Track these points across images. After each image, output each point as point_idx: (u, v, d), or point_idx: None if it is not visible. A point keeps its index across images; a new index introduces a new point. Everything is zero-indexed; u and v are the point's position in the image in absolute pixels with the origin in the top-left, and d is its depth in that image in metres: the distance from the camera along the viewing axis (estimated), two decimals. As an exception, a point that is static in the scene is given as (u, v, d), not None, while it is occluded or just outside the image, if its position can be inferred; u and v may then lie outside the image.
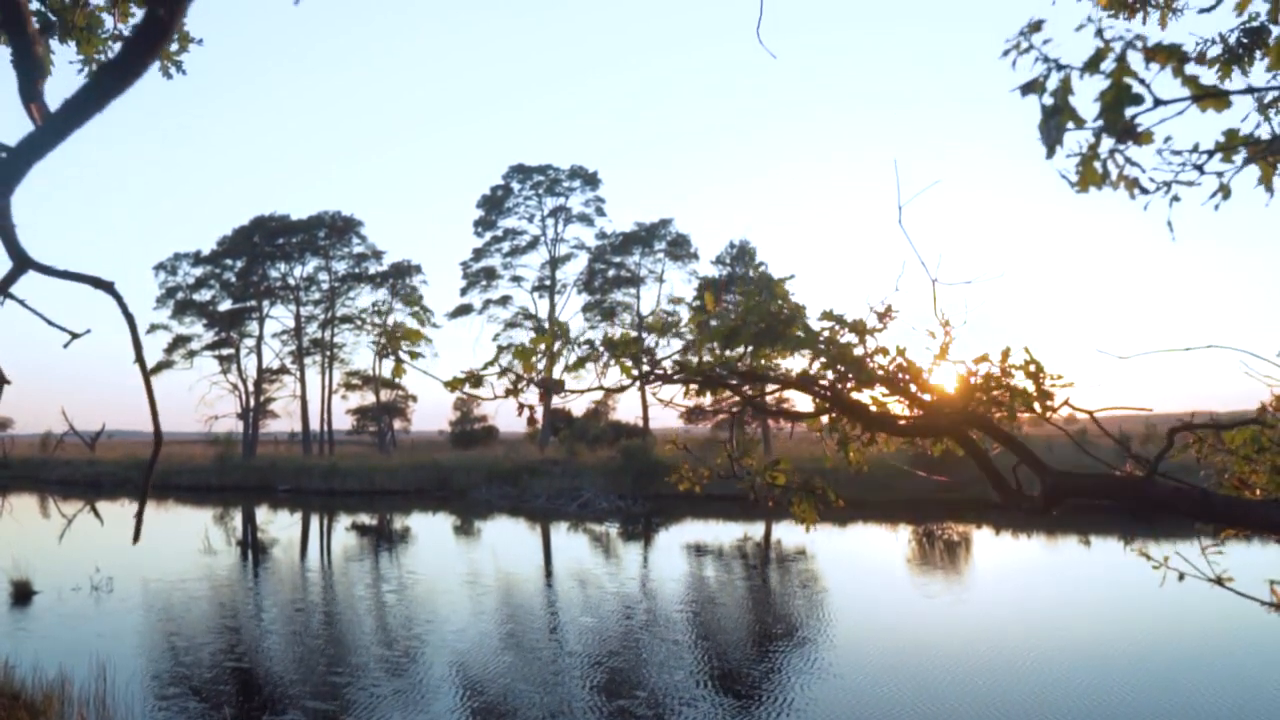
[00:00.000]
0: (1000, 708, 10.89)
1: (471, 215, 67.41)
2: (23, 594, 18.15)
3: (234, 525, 35.16)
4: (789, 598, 18.72)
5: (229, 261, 67.16)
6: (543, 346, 2.93)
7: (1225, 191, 1.45)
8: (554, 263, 65.75)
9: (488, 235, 66.25)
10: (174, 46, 4.22)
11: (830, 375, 2.53)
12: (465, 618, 16.60)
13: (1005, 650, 13.49)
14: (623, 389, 2.96)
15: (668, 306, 64.55)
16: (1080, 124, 1.31)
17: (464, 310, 66.46)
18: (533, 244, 65.91)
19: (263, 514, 39.49)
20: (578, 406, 68.39)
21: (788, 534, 29.15)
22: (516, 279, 66.30)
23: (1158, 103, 1.31)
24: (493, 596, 19.00)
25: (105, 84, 1.01)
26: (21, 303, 1.61)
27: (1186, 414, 2.99)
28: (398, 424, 71.24)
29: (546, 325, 64.74)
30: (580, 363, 2.95)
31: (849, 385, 2.55)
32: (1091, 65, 1.29)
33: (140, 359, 1.84)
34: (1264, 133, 1.40)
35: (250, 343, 67.41)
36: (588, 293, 65.40)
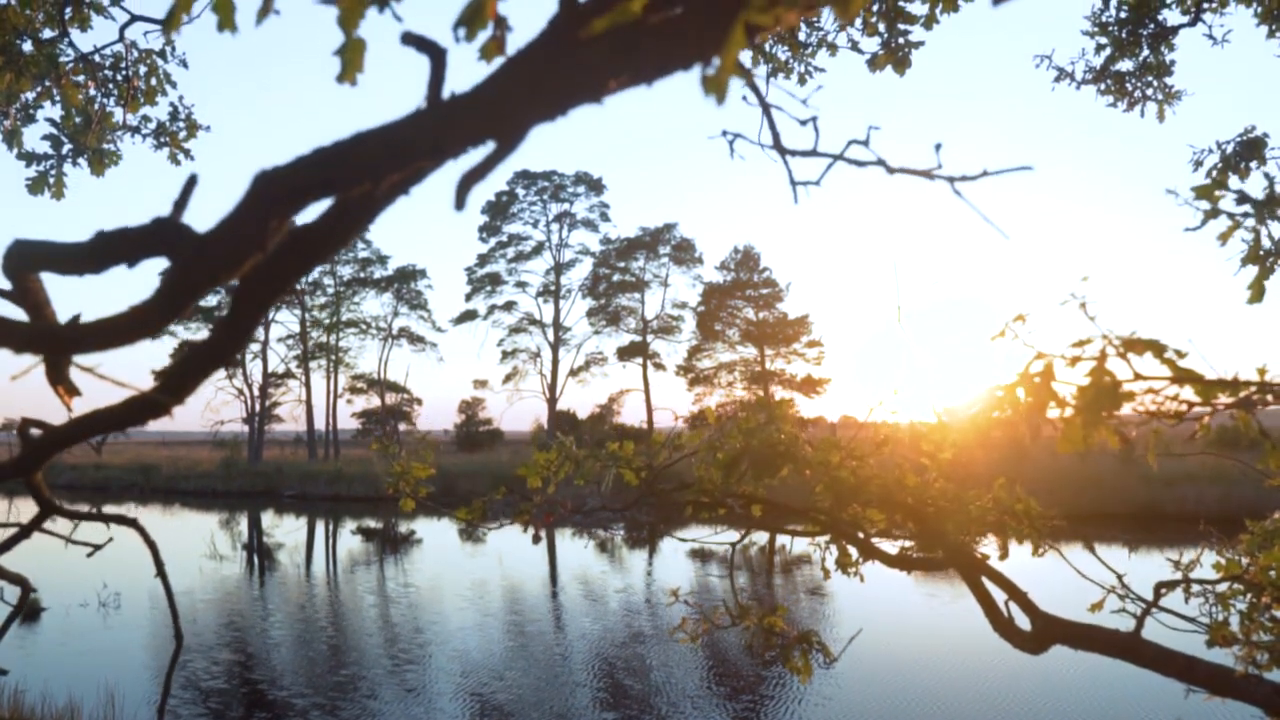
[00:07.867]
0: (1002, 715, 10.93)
1: (476, 221, 67.44)
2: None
3: (240, 532, 35.31)
4: (793, 603, 18.80)
5: (234, 265, 67.28)
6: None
7: (1206, 430, 1.53)
8: (558, 268, 65.90)
9: (492, 241, 66.41)
10: (183, 133, 4.31)
11: (828, 501, 2.61)
12: (470, 624, 16.72)
13: (1008, 656, 13.51)
14: (626, 508, 3.02)
15: (672, 311, 64.73)
16: (1063, 406, 1.38)
17: (469, 316, 66.65)
18: (537, 249, 66.05)
19: (268, 519, 39.64)
20: (581, 410, 68.41)
21: (791, 540, 29.19)
22: (521, 284, 66.48)
23: (1138, 378, 1.38)
24: (497, 603, 19.10)
25: (128, 420, 1.09)
26: (49, 533, 1.71)
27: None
28: (403, 426, 71.40)
29: (551, 335, 64.80)
30: (587, 471, 3.02)
31: (846, 509, 2.62)
32: (1072, 361, 1.36)
33: (162, 574, 1.93)
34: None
35: (255, 347, 67.62)
36: (592, 298, 65.59)
